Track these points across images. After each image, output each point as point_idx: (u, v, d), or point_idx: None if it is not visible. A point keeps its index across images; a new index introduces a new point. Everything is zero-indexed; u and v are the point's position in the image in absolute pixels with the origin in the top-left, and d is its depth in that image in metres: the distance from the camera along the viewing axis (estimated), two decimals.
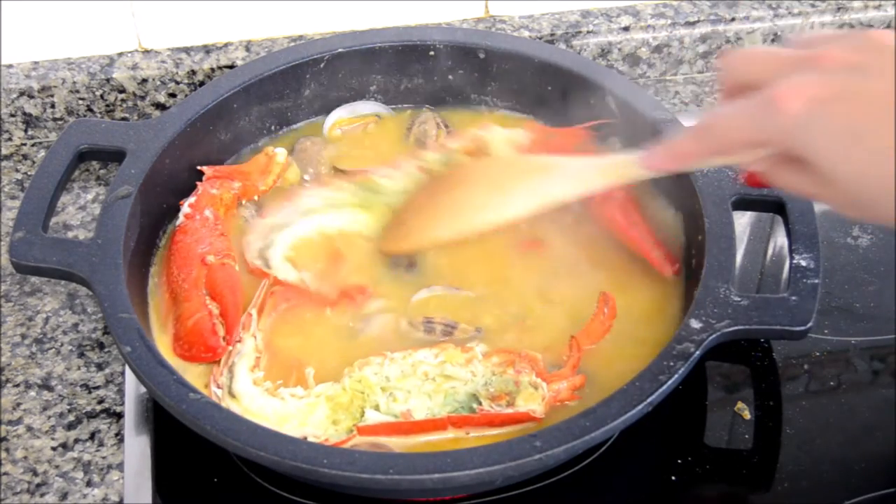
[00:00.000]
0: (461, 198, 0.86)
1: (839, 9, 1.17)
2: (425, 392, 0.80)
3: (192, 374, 0.82)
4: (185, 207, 0.92)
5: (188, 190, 0.94)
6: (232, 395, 0.80)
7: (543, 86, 1.01)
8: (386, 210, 0.93)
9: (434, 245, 0.89)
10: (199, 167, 0.95)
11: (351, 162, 0.98)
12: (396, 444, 0.78)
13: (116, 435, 0.85)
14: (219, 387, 0.81)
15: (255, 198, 0.96)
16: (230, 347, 0.83)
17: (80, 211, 1.03)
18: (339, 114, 1.03)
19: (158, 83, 1.10)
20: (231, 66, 1.10)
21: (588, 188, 0.78)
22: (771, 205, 0.88)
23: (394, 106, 1.05)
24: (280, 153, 0.98)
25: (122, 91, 1.10)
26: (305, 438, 0.76)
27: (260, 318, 0.85)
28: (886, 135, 0.56)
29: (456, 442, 0.78)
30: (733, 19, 1.16)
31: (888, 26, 1.18)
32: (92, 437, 0.85)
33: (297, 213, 0.93)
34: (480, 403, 0.79)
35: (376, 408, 0.79)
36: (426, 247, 0.89)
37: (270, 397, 0.80)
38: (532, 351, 0.83)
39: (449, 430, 0.78)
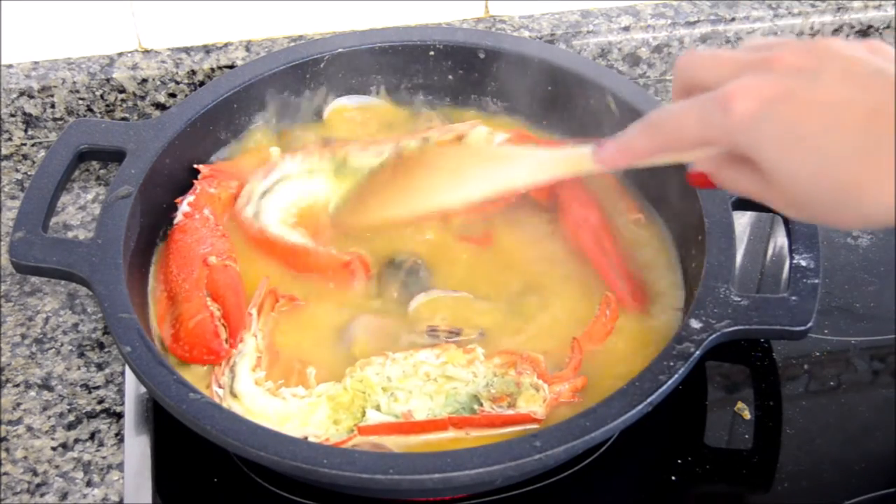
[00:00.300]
0: (420, 180, 0.85)
1: (839, 9, 1.17)
2: (426, 393, 0.80)
3: (194, 375, 0.82)
4: (184, 206, 0.92)
5: (188, 190, 0.94)
6: (234, 394, 0.80)
7: (543, 86, 1.01)
8: (351, 185, 0.94)
9: (386, 223, 0.90)
10: (195, 166, 0.95)
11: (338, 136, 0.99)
12: (396, 444, 0.78)
13: (116, 435, 0.85)
14: (220, 386, 0.81)
15: None
16: (232, 349, 0.83)
17: (80, 211, 1.03)
18: (343, 102, 1.03)
19: (158, 83, 1.10)
20: (231, 66, 1.10)
21: (542, 178, 0.78)
22: None
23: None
24: (274, 151, 0.98)
25: (122, 91, 1.10)
26: (306, 438, 0.76)
27: (259, 318, 0.85)
28: (827, 139, 0.56)
29: (456, 442, 0.78)
30: (733, 19, 1.16)
31: (888, 27, 1.18)
32: (92, 437, 0.85)
33: (277, 179, 0.94)
34: (481, 404, 0.79)
35: (377, 408, 0.79)
36: (378, 224, 0.90)
37: (272, 397, 0.80)
38: (533, 352, 0.83)
39: (450, 431, 0.78)
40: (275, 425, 0.76)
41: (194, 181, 0.94)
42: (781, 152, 0.58)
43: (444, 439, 0.78)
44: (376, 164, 0.93)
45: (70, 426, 0.85)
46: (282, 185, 0.94)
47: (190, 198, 0.92)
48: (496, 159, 0.82)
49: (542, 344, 0.84)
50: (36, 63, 1.09)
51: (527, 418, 0.79)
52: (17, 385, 0.88)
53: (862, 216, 0.57)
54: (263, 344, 0.84)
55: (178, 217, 0.91)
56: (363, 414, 0.79)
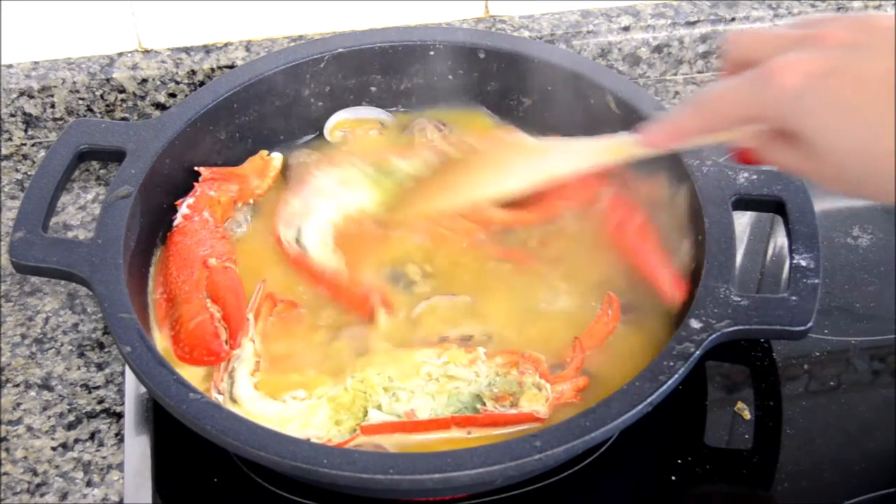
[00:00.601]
0: (463, 176, 0.87)
1: (839, 9, 1.17)
2: (428, 392, 0.80)
3: (194, 377, 0.82)
4: (184, 208, 0.91)
5: (188, 190, 0.94)
6: (233, 400, 0.80)
7: (543, 85, 1.01)
8: (396, 189, 0.93)
9: (434, 214, 0.90)
10: (196, 168, 0.95)
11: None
12: (397, 444, 0.78)
13: (116, 435, 0.85)
14: (220, 392, 0.81)
15: (251, 201, 0.95)
16: (233, 352, 0.83)
17: (80, 211, 1.03)
18: (342, 116, 1.03)
19: (158, 83, 1.10)
20: (231, 66, 1.10)
21: (586, 165, 0.79)
22: (771, 205, 0.88)
23: (393, 109, 1.04)
24: (276, 157, 0.98)
25: (122, 91, 1.10)
26: (308, 440, 0.76)
27: (257, 322, 0.85)
28: (880, 111, 0.57)
29: (458, 442, 0.78)
30: (733, 19, 1.16)
31: None
32: (92, 437, 0.85)
33: (314, 196, 0.93)
34: (484, 404, 0.79)
35: (379, 408, 0.79)
36: (426, 215, 0.91)
37: (272, 401, 0.80)
38: (535, 352, 0.83)
39: (452, 430, 0.78)
40: (276, 428, 0.76)
41: (194, 183, 0.94)
42: (828, 124, 0.59)
43: (446, 439, 0.78)
44: (419, 168, 0.93)
45: (70, 426, 0.85)
46: (318, 201, 0.93)
47: (189, 200, 0.92)
48: (536, 151, 0.84)
49: (544, 345, 0.84)
50: (36, 63, 1.09)
51: (530, 417, 0.79)
52: (17, 385, 0.88)
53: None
54: (262, 348, 0.84)
55: (178, 219, 0.91)
56: (365, 414, 0.79)
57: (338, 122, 1.03)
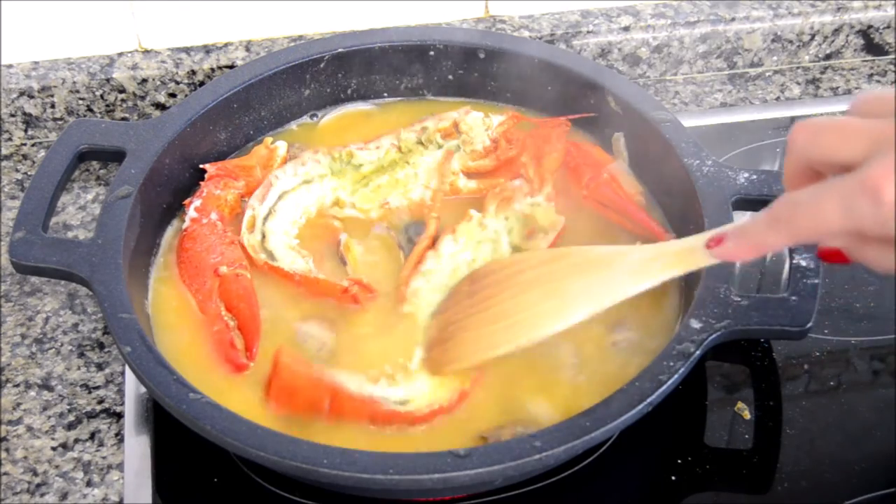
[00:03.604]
0: (513, 303, 0.78)
1: (839, 9, 1.17)
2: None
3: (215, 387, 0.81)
4: (192, 211, 0.91)
5: (189, 190, 0.94)
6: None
7: (543, 86, 1.01)
8: (358, 175, 0.95)
9: (489, 359, 0.79)
10: (201, 165, 0.95)
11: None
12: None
13: (116, 435, 0.85)
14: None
15: None
16: (251, 363, 0.82)
17: (80, 211, 1.03)
18: (338, 111, 1.03)
19: (158, 83, 1.10)
20: (231, 66, 1.10)
21: (653, 280, 0.72)
22: None
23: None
24: (281, 146, 0.97)
25: (122, 91, 1.10)
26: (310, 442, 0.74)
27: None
28: None
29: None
30: (733, 19, 1.16)
31: (888, 27, 1.18)
32: (92, 437, 0.85)
33: (277, 199, 0.93)
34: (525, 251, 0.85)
35: None
36: (481, 363, 0.80)
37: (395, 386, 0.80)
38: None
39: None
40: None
41: (200, 183, 0.94)
42: None
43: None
44: (382, 159, 0.95)
45: (70, 426, 0.85)
46: (282, 203, 0.93)
47: (197, 202, 0.91)
48: (594, 266, 0.75)
49: None
50: (36, 63, 1.09)
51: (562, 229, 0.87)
52: (17, 385, 0.88)
53: None
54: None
55: (187, 222, 0.91)
56: None
57: (332, 118, 1.03)
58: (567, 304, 0.74)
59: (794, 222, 0.58)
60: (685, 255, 0.70)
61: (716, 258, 0.67)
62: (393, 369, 0.81)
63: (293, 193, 0.94)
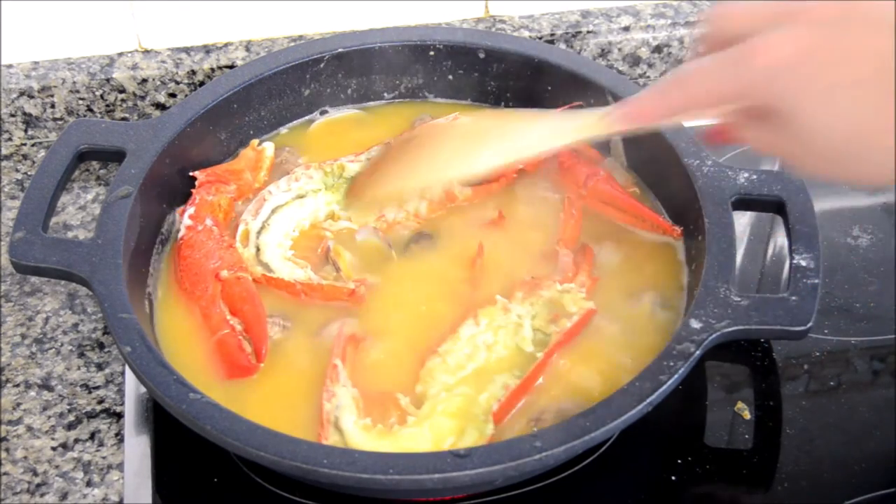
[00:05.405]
0: (433, 151, 0.86)
1: None
2: (500, 357, 0.82)
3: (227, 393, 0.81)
4: (186, 219, 0.90)
5: (189, 189, 0.93)
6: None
7: (543, 85, 1.01)
8: (369, 162, 0.95)
9: (401, 192, 0.91)
10: (191, 174, 0.94)
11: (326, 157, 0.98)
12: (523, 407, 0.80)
13: (116, 435, 0.85)
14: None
15: (251, 196, 0.95)
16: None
17: (80, 211, 1.03)
18: (330, 115, 1.03)
19: (158, 83, 1.10)
20: (231, 66, 1.10)
21: (556, 144, 0.78)
22: (771, 205, 0.88)
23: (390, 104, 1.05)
24: (268, 147, 0.97)
25: (122, 91, 1.10)
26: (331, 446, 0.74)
27: (346, 366, 0.81)
28: (854, 88, 0.55)
29: (562, 375, 0.82)
30: None
31: None
32: (92, 437, 0.85)
33: (270, 213, 0.93)
34: (547, 334, 0.82)
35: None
36: (393, 193, 0.91)
37: (385, 438, 0.78)
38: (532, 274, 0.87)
39: (553, 362, 0.82)
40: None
41: (192, 190, 0.93)
42: (816, 104, 0.57)
43: (554, 376, 0.81)
44: (392, 140, 0.94)
45: (70, 426, 0.85)
46: (276, 216, 0.92)
47: (190, 209, 0.91)
48: (507, 129, 0.81)
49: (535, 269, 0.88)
50: (36, 63, 1.09)
51: (589, 313, 0.84)
52: (17, 385, 0.88)
53: (883, 168, 0.56)
54: (356, 391, 0.80)
55: (182, 230, 0.90)
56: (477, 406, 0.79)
57: (320, 123, 1.03)
58: (477, 153, 0.81)
59: (685, 87, 0.62)
60: (589, 123, 0.74)
61: (619, 123, 0.70)
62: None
63: (286, 208, 0.93)
